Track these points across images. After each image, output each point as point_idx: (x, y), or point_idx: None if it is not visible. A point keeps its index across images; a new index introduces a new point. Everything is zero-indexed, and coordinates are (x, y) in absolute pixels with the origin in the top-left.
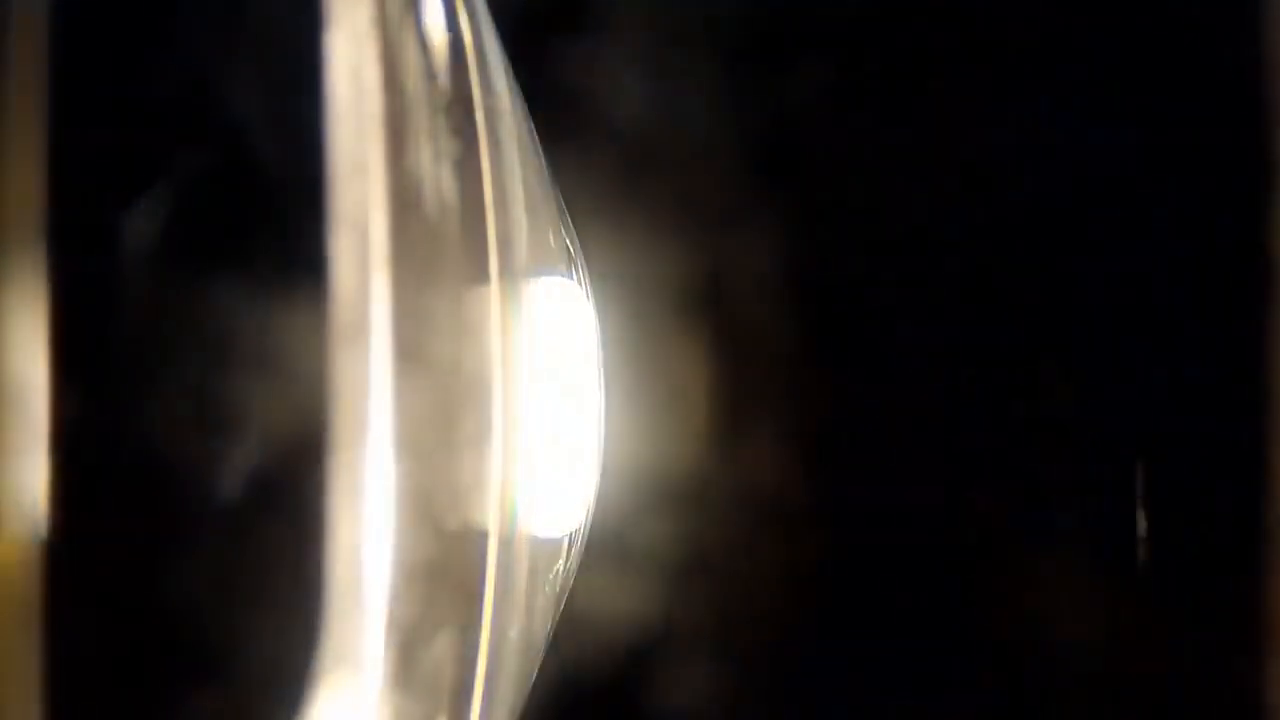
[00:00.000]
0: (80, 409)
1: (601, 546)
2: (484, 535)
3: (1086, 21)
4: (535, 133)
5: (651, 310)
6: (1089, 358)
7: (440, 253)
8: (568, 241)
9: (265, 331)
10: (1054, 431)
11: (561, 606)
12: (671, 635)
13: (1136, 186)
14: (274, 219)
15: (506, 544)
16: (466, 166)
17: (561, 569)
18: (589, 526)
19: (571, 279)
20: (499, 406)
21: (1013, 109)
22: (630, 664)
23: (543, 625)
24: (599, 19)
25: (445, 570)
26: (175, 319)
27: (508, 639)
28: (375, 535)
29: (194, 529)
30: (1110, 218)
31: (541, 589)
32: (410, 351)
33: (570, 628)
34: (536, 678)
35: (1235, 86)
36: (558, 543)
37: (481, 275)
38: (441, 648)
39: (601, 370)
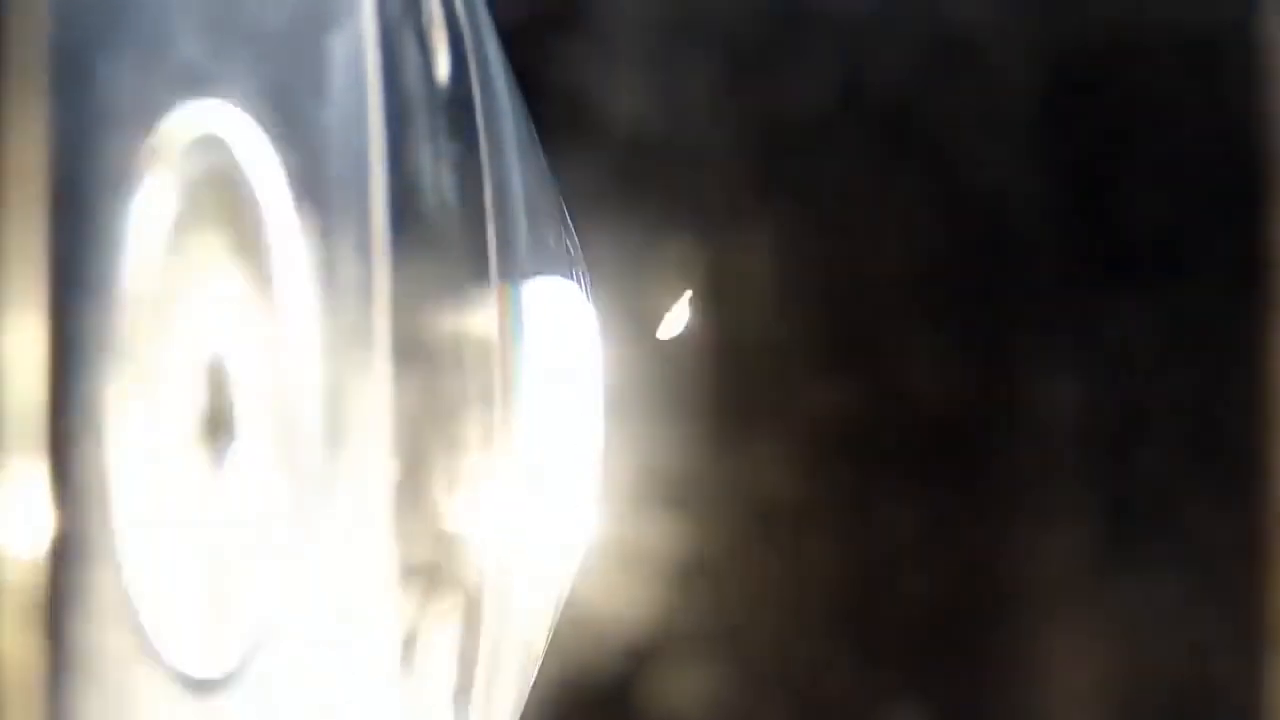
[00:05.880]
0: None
1: (601, 547)
2: (484, 535)
3: (1083, 35)
4: (535, 133)
5: (651, 310)
6: (1091, 358)
7: (440, 253)
8: (568, 241)
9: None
10: (1056, 432)
11: (561, 607)
12: (672, 636)
13: (1135, 188)
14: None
15: (506, 544)
16: (466, 166)
17: (561, 569)
18: (589, 527)
19: (571, 279)
20: (499, 406)
21: (1011, 112)
22: (630, 665)
23: (543, 625)
24: (599, 19)
25: (445, 571)
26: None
27: (507, 639)
28: (376, 536)
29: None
30: (1112, 217)
31: (541, 589)
32: (410, 351)
33: (570, 628)
34: (536, 678)
35: (1234, 88)
36: (558, 543)
37: (481, 275)
38: (442, 648)
39: (601, 370)
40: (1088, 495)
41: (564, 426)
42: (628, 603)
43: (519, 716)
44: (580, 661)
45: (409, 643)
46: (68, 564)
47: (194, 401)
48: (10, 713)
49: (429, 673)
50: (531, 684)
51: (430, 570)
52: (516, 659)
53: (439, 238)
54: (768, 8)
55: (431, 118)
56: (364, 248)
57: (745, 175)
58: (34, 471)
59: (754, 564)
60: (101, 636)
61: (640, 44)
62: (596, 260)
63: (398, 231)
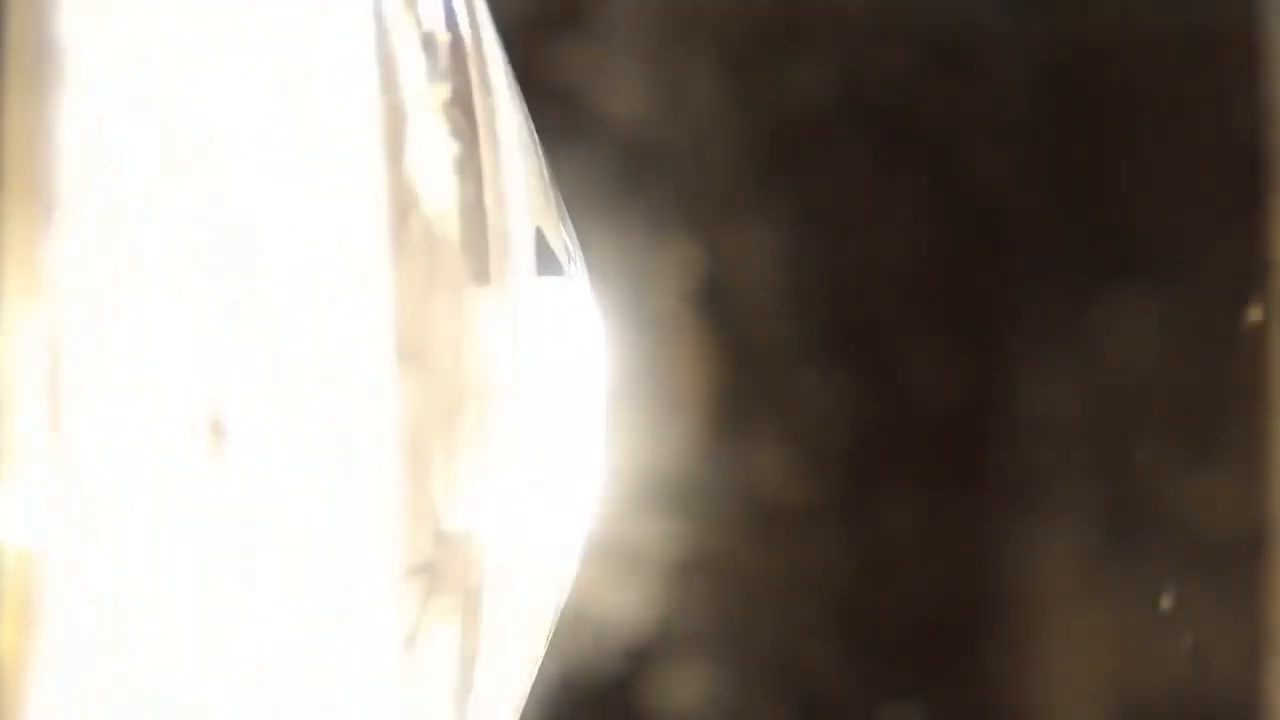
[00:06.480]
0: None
1: (601, 546)
2: (484, 535)
3: (1082, 36)
4: (535, 133)
5: (651, 310)
6: (1092, 358)
7: (440, 253)
8: (568, 241)
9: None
10: (1056, 432)
11: (561, 606)
12: (671, 636)
13: (1135, 188)
14: None
15: (506, 544)
16: (466, 166)
17: (561, 569)
18: (589, 526)
19: (571, 279)
20: (499, 406)
21: (1011, 112)
22: (630, 664)
23: (543, 625)
24: (599, 19)
25: (446, 571)
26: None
27: (507, 639)
28: (377, 536)
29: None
30: (1112, 217)
31: (541, 589)
32: (410, 351)
33: (570, 628)
34: (536, 678)
35: (1235, 83)
36: (558, 543)
37: (481, 275)
38: (442, 648)
39: (602, 370)
40: (1088, 495)
41: (564, 426)
42: (628, 603)
43: (519, 716)
44: (580, 661)
45: (409, 643)
46: (64, 562)
47: (194, 400)
48: (4, 711)
49: (429, 673)
50: (531, 684)
51: (430, 570)
52: (516, 659)
53: (439, 238)
54: (768, 8)
55: (431, 118)
56: (364, 248)
57: (745, 175)
58: (30, 470)
59: (754, 564)
60: (99, 635)
61: (640, 44)
62: (596, 260)
63: (398, 232)
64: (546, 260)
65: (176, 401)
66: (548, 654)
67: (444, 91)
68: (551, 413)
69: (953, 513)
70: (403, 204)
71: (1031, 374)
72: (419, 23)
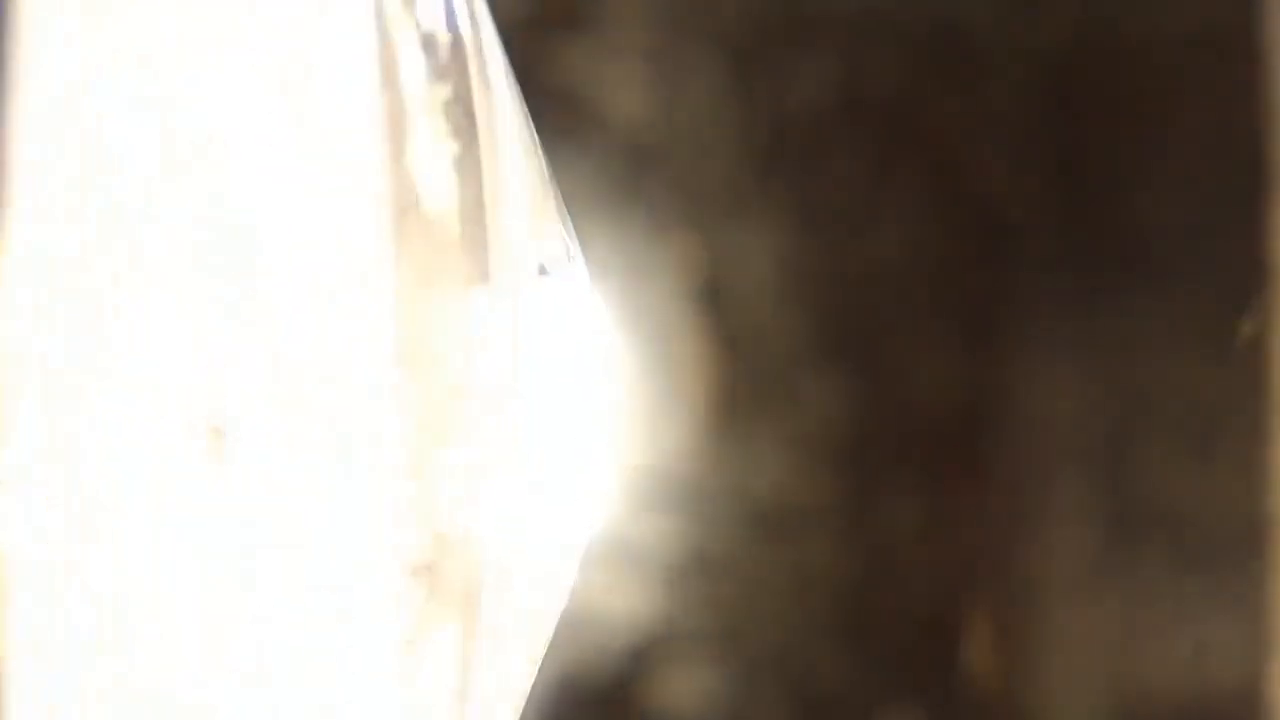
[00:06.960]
0: None
1: (602, 546)
2: (483, 536)
3: (1080, 37)
4: (535, 133)
5: (652, 310)
6: (1092, 359)
7: (440, 253)
8: (568, 241)
9: None
10: (1057, 432)
11: (562, 607)
12: (672, 636)
13: (1136, 188)
14: None
15: (506, 544)
16: (466, 166)
17: (561, 569)
18: (590, 526)
19: (572, 279)
20: (499, 407)
21: (1011, 112)
22: (630, 664)
23: (543, 625)
24: (599, 19)
25: (446, 571)
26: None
27: (507, 639)
28: (377, 536)
29: None
30: (1112, 218)
31: (541, 589)
32: (411, 351)
33: (570, 628)
34: (536, 679)
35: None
36: (559, 543)
37: (481, 275)
38: (442, 648)
39: (603, 369)
40: (1088, 495)
41: (565, 426)
42: (628, 603)
43: (519, 716)
44: (580, 661)
45: (409, 643)
46: (64, 562)
47: (194, 401)
48: None
49: (429, 673)
50: (531, 684)
51: (430, 570)
52: (516, 659)
53: (439, 238)
54: (768, 8)
55: (431, 118)
56: (364, 248)
57: (745, 175)
58: (30, 470)
59: (754, 564)
60: (99, 635)
61: (640, 44)
62: (596, 260)
63: (398, 232)
64: (547, 260)
65: (176, 402)
66: (548, 654)
67: (444, 91)
68: (552, 413)
69: (953, 513)
70: (403, 204)
71: (1031, 374)
72: (419, 23)
